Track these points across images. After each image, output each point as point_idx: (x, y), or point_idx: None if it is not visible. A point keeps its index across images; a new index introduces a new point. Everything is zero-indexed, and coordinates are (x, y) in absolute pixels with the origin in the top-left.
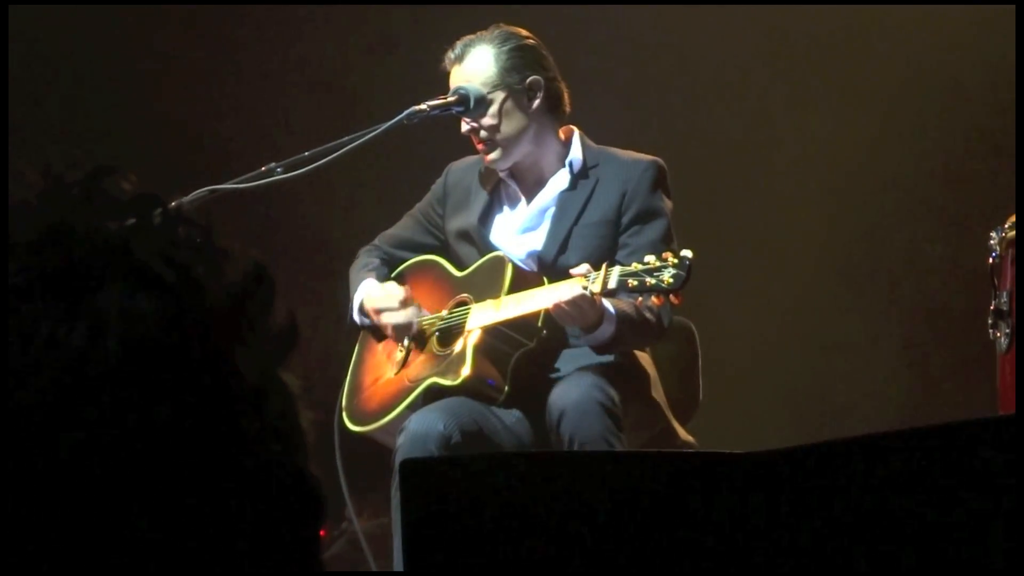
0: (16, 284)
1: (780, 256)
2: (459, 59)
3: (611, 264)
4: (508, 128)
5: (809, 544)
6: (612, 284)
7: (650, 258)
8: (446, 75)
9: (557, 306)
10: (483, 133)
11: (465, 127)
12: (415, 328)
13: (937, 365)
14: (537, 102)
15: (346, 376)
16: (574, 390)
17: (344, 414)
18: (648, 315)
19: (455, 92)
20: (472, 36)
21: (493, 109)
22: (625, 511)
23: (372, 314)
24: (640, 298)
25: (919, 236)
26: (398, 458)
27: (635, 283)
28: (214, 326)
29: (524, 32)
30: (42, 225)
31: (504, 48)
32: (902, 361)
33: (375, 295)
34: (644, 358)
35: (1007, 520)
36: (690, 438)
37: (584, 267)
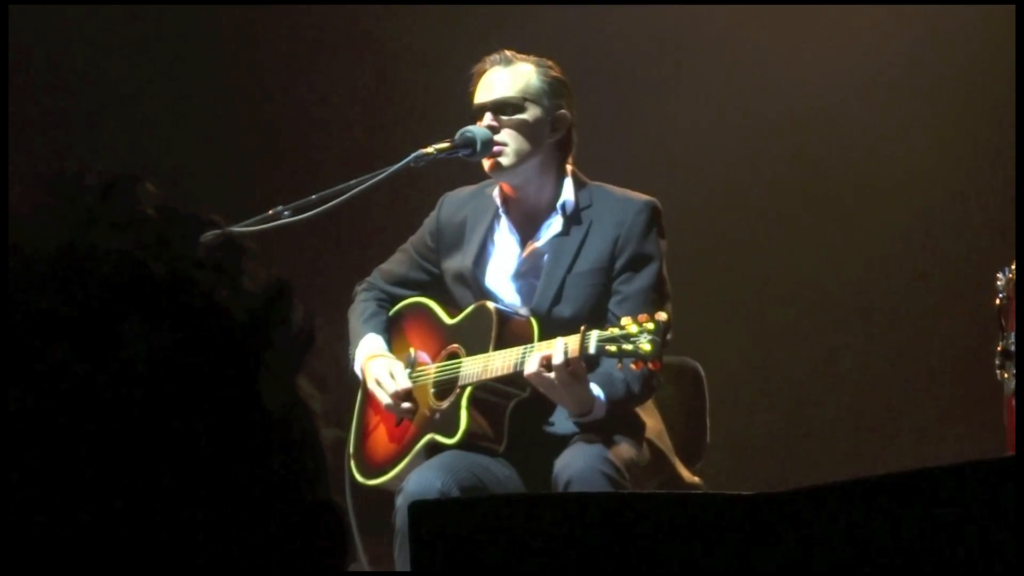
0: (34, 317)
1: (789, 296)
2: (505, 63)
3: (589, 327)
4: (525, 142)
5: None
6: (591, 350)
7: (626, 320)
8: (469, 78)
9: (541, 382)
10: (501, 135)
11: (488, 121)
12: (406, 414)
13: (946, 404)
14: (557, 136)
15: (352, 420)
16: (579, 459)
17: (352, 462)
18: (635, 387)
19: (461, 135)
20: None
21: (522, 117)
22: (632, 552)
23: (369, 382)
24: (620, 363)
25: (928, 275)
26: (397, 518)
27: (613, 348)
28: (236, 352)
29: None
30: (52, 242)
31: (550, 74)
32: (911, 401)
33: (376, 369)
34: (647, 406)
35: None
36: (696, 479)
37: (560, 344)
